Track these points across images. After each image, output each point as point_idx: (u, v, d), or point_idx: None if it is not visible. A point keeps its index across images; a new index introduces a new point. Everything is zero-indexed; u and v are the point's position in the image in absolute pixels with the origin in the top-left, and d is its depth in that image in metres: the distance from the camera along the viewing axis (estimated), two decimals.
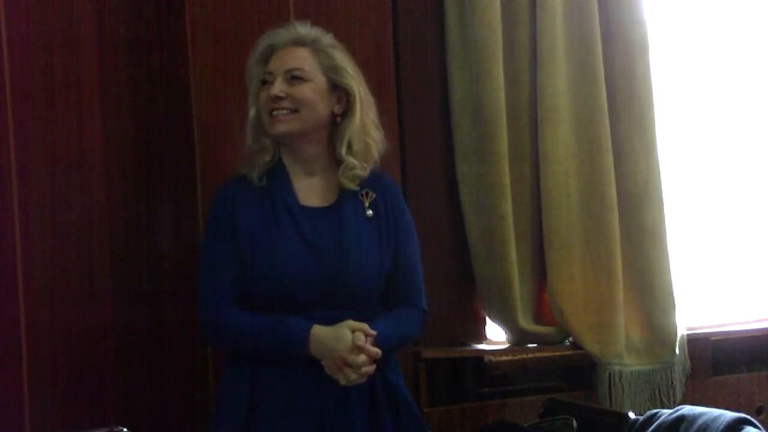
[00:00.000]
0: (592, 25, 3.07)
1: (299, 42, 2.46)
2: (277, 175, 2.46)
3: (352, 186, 2.45)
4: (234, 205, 2.42)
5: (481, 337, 3.13)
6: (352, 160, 2.44)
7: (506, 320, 3.05)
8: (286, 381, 2.36)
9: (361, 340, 2.32)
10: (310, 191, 2.46)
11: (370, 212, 2.47)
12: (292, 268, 2.36)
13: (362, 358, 2.31)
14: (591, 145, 3.08)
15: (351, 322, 2.34)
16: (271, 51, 2.46)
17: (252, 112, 2.47)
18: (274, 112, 2.41)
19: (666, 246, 3.14)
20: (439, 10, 3.05)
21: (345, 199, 2.46)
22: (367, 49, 2.91)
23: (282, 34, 2.47)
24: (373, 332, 2.34)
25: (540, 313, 3.13)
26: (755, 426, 2.26)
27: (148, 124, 2.77)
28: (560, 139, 3.05)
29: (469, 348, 3.07)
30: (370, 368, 2.33)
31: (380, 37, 2.95)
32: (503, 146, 3.00)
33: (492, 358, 3.01)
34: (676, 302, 3.14)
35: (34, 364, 2.64)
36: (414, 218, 2.96)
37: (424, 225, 3.00)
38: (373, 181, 2.49)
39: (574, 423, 2.43)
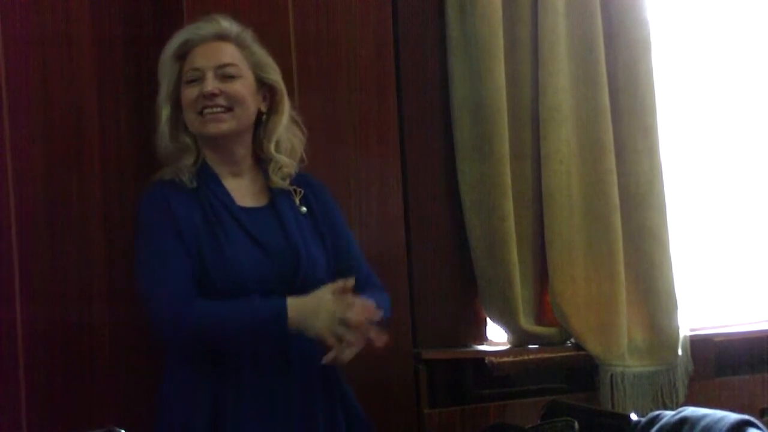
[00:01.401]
0: (594, 23, 3.05)
1: (223, 37, 2.36)
2: (206, 177, 2.34)
3: (284, 184, 2.39)
4: (170, 207, 2.27)
5: (482, 338, 3.11)
6: (282, 157, 2.38)
7: (507, 321, 3.03)
8: (255, 384, 2.24)
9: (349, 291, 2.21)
10: (242, 192, 2.37)
11: (303, 209, 2.40)
12: (246, 268, 2.25)
13: (360, 315, 2.19)
14: (593, 144, 3.06)
15: (328, 285, 2.24)
16: (188, 46, 2.35)
17: (166, 112, 2.36)
18: (206, 111, 2.30)
19: (668, 247, 3.12)
20: (439, 8, 3.03)
21: (278, 198, 2.38)
22: (367, 48, 2.90)
23: (203, 28, 2.36)
24: (352, 281, 2.24)
25: (541, 314, 3.11)
26: (758, 428, 2.23)
27: (145, 123, 2.75)
28: (562, 139, 3.03)
29: (469, 349, 3.05)
30: (368, 329, 2.21)
31: (380, 36, 2.93)
32: (504, 146, 2.98)
33: (493, 359, 2.99)
34: (678, 303, 3.11)
35: (31, 364, 2.62)
36: (414, 218, 2.98)
37: (424, 225, 3.01)
38: (298, 178, 2.43)
39: (576, 425, 2.41)
